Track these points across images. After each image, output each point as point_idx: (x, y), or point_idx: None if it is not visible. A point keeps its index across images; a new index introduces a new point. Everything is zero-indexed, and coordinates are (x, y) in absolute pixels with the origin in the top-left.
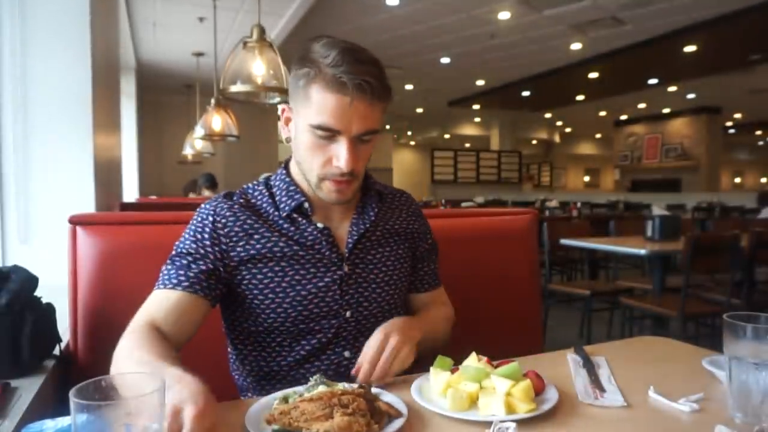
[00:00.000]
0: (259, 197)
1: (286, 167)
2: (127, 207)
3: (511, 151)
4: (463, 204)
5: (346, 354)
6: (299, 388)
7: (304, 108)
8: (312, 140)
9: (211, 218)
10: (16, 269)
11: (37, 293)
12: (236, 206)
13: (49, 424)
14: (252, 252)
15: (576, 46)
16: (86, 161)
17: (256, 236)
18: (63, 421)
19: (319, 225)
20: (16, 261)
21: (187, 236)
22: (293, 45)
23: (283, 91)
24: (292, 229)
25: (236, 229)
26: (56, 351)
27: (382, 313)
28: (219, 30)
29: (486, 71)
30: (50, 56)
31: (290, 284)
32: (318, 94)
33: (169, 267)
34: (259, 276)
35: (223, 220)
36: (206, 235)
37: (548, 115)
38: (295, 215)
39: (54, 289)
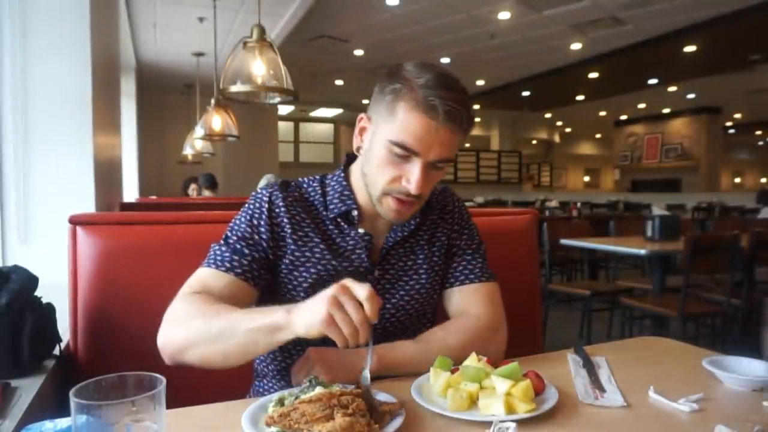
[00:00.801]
0: (312, 193)
1: (345, 169)
2: (127, 207)
3: (511, 151)
4: None
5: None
6: (294, 390)
7: (386, 122)
8: (386, 156)
9: (267, 205)
10: (16, 269)
11: (37, 293)
12: (290, 198)
13: (48, 425)
14: (297, 254)
15: (576, 46)
16: (86, 161)
17: (300, 233)
18: (62, 423)
19: (360, 231)
20: (16, 261)
21: (242, 220)
22: (293, 45)
23: (284, 91)
24: (336, 231)
25: (286, 219)
26: (56, 351)
27: (409, 320)
28: (219, 30)
29: (486, 71)
30: (50, 56)
31: (323, 287)
32: (405, 112)
33: (224, 248)
34: (295, 273)
35: (277, 209)
36: (262, 221)
37: (548, 115)
38: (339, 220)
39: (54, 289)
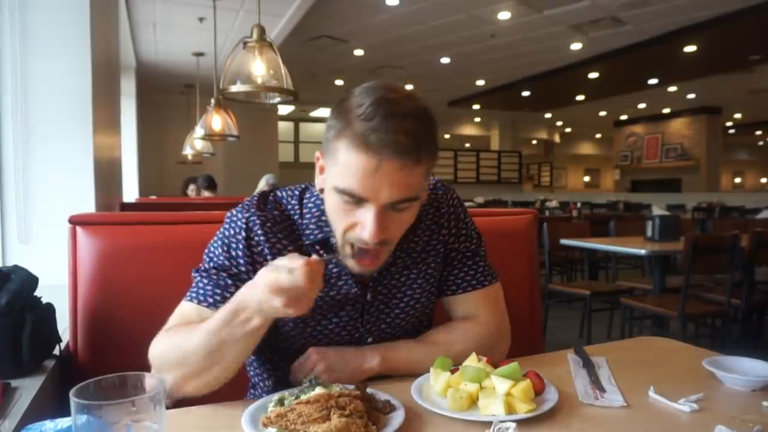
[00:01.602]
0: (292, 212)
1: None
2: (127, 207)
3: (511, 151)
4: None
5: None
6: (294, 390)
7: (330, 165)
8: (337, 202)
9: (244, 233)
10: (16, 269)
11: (37, 293)
12: (269, 222)
13: (48, 425)
14: None
15: (576, 46)
16: (86, 161)
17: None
18: (63, 422)
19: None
20: (16, 261)
21: (219, 249)
22: (293, 45)
23: (284, 91)
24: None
25: (267, 248)
26: (56, 351)
27: (406, 334)
28: (219, 30)
29: (486, 71)
30: (50, 56)
31: (314, 317)
32: (343, 153)
33: (205, 281)
34: None
35: (256, 237)
36: (240, 252)
37: (548, 115)
38: (318, 247)
39: (54, 289)
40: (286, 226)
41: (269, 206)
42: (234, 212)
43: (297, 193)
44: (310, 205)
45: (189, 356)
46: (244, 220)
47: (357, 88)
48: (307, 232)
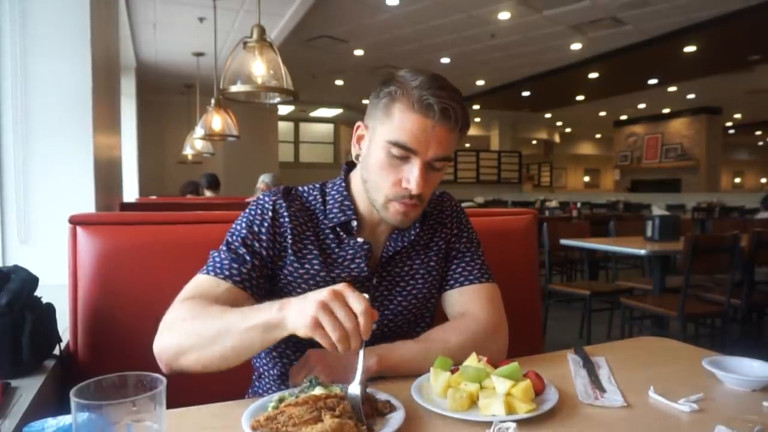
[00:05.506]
0: (313, 201)
1: (346, 177)
2: (127, 207)
3: (511, 151)
4: (463, 204)
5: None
6: (294, 390)
7: (383, 125)
8: (385, 159)
9: (270, 213)
10: (16, 269)
11: (37, 293)
12: (293, 207)
13: (51, 422)
14: (296, 264)
15: (576, 46)
16: (86, 161)
17: (299, 245)
18: (65, 419)
19: (359, 240)
20: (16, 261)
21: (243, 225)
22: (293, 45)
23: (284, 91)
24: (336, 241)
25: (289, 230)
26: (56, 351)
27: (407, 325)
28: (219, 30)
29: (486, 71)
30: (50, 56)
31: None
32: (401, 113)
33: (224, 255)
34: (293, 284)
35: (281, 219)
36: (263, 230)
37: (548, 115)
38: (339, 229)
39: (54, 289)
40: (306, 214)
41: (291, 197)
42: (261, 197)
43: (318, 186)
44: (333, 192)
45: (202, 337)
46: (271, 203)
47: (401, 70)
48: (331, 216)
